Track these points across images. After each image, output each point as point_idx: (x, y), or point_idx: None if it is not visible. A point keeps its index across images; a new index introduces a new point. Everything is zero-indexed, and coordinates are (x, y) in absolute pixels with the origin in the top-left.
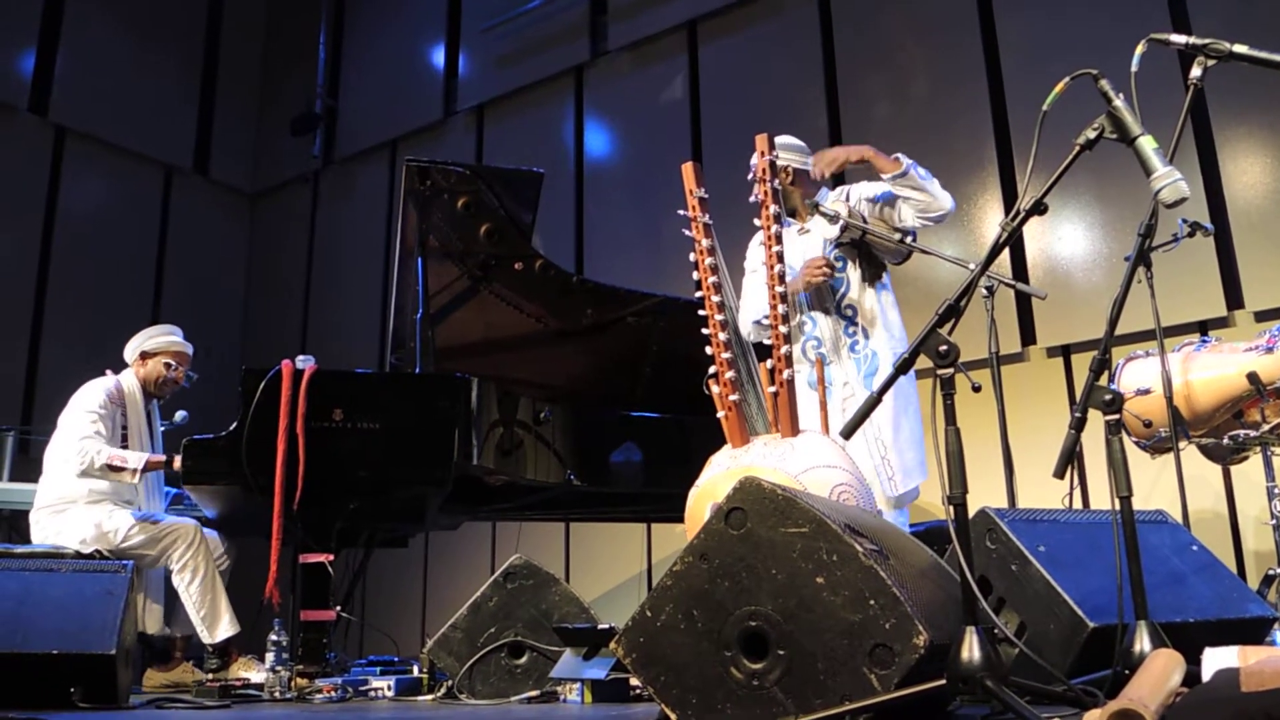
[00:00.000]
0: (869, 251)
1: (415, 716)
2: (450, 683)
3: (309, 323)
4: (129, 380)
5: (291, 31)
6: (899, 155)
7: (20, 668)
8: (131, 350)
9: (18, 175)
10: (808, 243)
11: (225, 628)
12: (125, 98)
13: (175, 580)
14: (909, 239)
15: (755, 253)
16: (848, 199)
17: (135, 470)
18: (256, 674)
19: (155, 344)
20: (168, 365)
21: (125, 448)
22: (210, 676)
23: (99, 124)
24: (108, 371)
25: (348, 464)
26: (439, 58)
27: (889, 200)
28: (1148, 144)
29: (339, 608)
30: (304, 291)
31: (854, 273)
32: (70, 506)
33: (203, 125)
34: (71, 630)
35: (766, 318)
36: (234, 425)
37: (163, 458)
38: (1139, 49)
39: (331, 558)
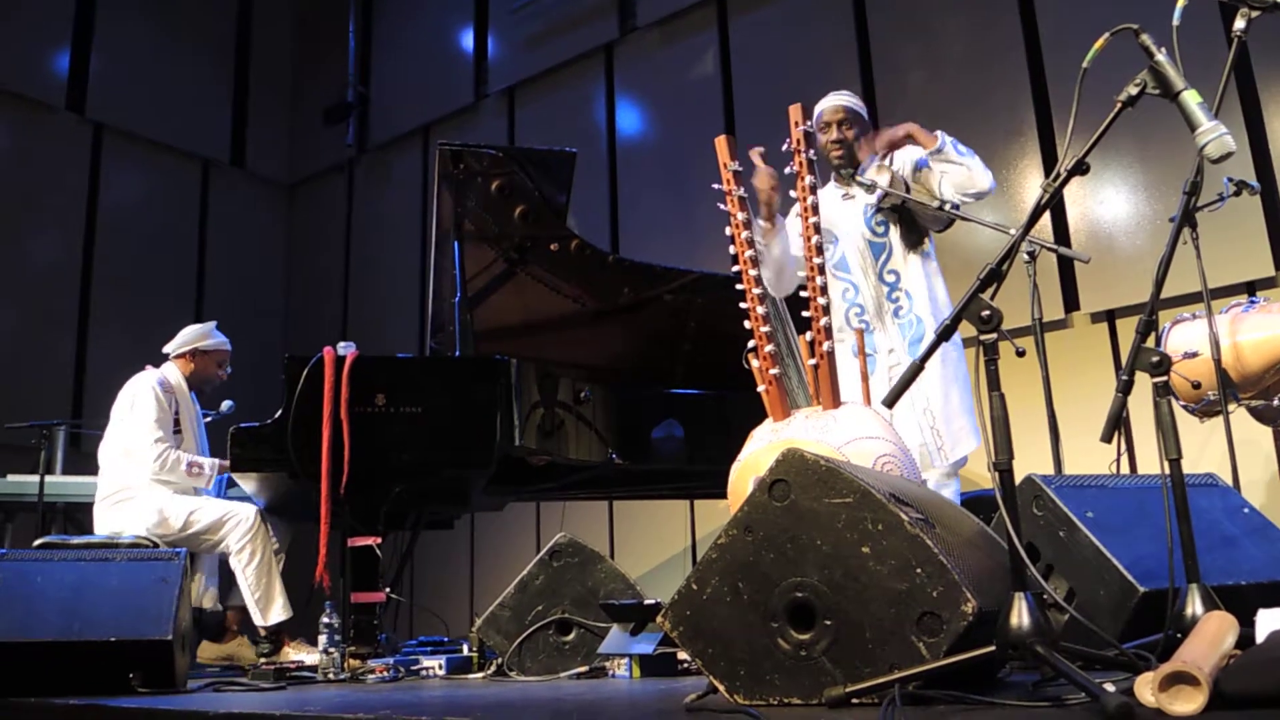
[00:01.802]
0: (911, 218)
1: (467, 694)
2: (500, 660)
3: (349, 309)
4: (174, 374)
5: (321, 21)
6: (938, 132)
7: (79, 655)
8: (180, 346)
9: (58, 174)
10: (851, 207)
11: (278, 611)
12: (160, 93)
13: (233, 561)
14: (949, 206)
15: (793, 224)
16: (891, 164)
17: (210, 477)
18: (308, 656)
19: (209, 344)
20: (219, 365)
21: (178, 436)
22: (263, 660)
23: (135, 120)
24: (148, 367)
25: (392, 448)
26: (468, 41)
27: (927, 168)
28: (1192, 98)
29: (388, 589)
30: (343, 279)
31: (896, 239)
32: (134, 495)
33: (237, 118)
34: (128, 618)
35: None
36: (279, 413)
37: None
38: (1181, 2)
39: (379, 540)
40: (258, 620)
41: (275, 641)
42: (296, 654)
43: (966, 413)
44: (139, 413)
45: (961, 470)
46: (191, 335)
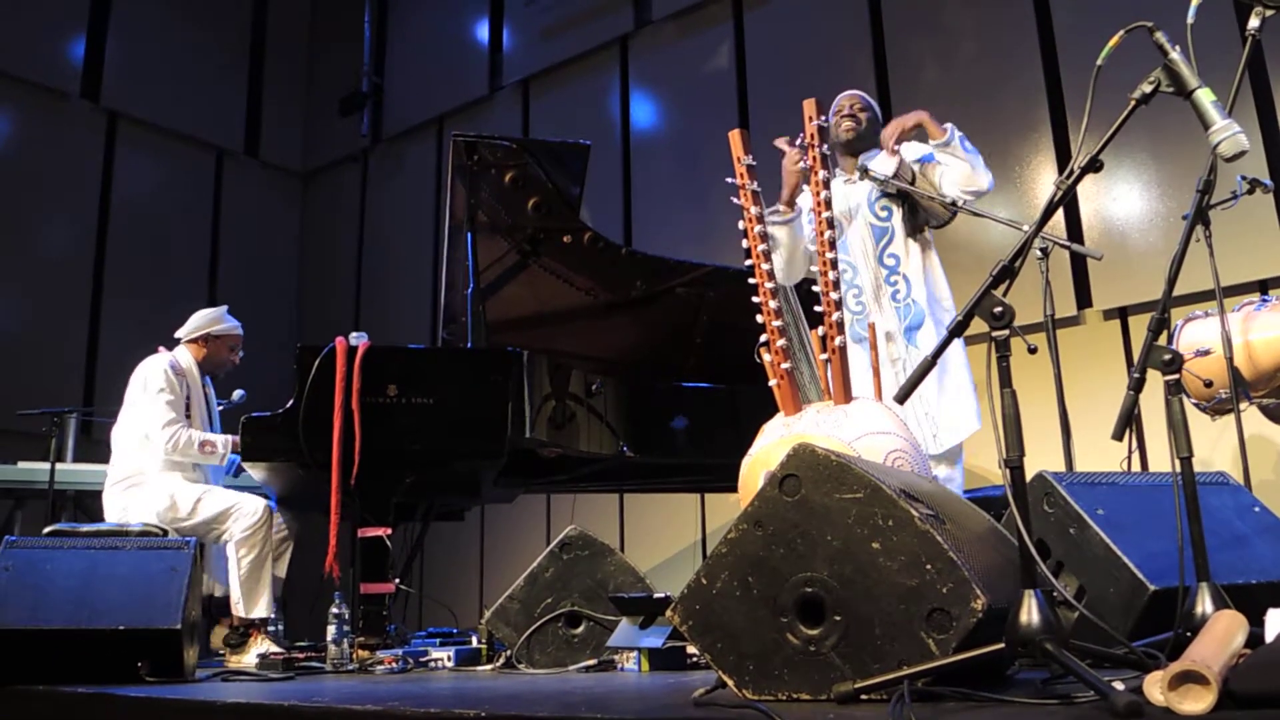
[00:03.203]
0: (914, 204)
1: (475, 686)
2: (509, 653)
3: (361, 299)
4: (185, 358)
5: (336, 11)
6: (948, 125)
7: (87, 644)
8: (191, 330)
9: (72, 161)
10: (854, 191)
11: (261, 608)
12: (175, 82)
13: (230, 549)
14: (950, 202)
15: (808, 219)
16: (899, 153)
17: (223, 455)
18: (274, 647)
19: (221, 329)
20: (231, 349)
21: (188, 420)
22: (230, 650)
23: (150, 108)
24: (160, 349)
25: (403, 439)
26: (483, 33)
27: (932, 163)
28: (1205, 96)
29: (398, 580)
30: (355, 269)
31: (899, 223)
32: (143, 481)
33: (252, 107)
34: (137, 606)
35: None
36: (290, 402)
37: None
38: (1195, 0)
39: (389, 531)
40: (238, 611)
41: (245, 635)
42: (261, 647)
43: (962, 398)
44: (150, 395)
45: (971, 466)
46: (204, 320)
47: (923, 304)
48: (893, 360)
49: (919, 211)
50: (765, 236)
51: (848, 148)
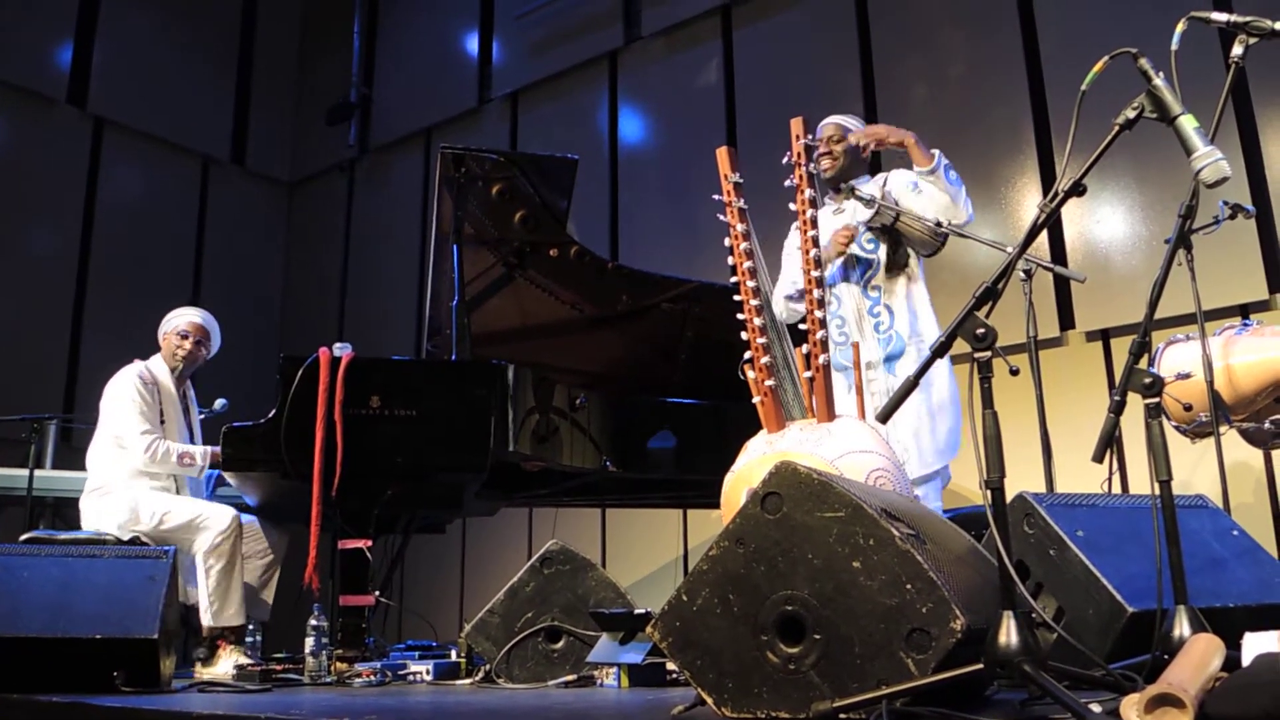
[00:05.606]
0: (897, 238)
1: (454, 700)
2: (488, 667)
3: (346, 310)
4: (157, 365)
5: (326, 20)
6: (935, 151)
7: (63, 652)
8: (159, 336)
9: (58, 167)
10: (842, 221)
11: (232, 616)
12: (163, 89)
13: (199, 559)
14: (939, 225)
15: (794, 238)
16: (884, 185)
17: (201, 467)
18: (242, 658)
19: (167, 324)
20: (182, 335)
21: (162, 428)
22: (200, 661)
23: (137, 116)
24: (136, 360)
25: (385, 450)
26: (473, 45)
27: (916, 190)
28: (1188, 123)
29: (377, 593)
30: (341, 280)
31: (883, 255)
32: (113, 489)
33: (239, 116)
34: (114, 615)
35: (797, 292)
36: (272, 412)
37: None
38: (1179, 27)
39: (370, 543)
40: (206, 620)
41: (214, 646)
42: (232, 658)
43: (935, 433)
44: (122, 406)
45: (952, 485)
46: (163, 322)
47: (905, 335)
48: (870, 389)
49: (900, 247)
50: (750, 254)
51: (830, 183)
